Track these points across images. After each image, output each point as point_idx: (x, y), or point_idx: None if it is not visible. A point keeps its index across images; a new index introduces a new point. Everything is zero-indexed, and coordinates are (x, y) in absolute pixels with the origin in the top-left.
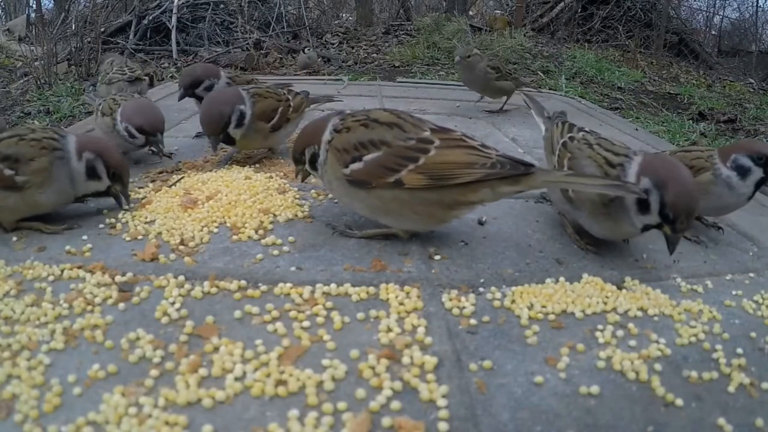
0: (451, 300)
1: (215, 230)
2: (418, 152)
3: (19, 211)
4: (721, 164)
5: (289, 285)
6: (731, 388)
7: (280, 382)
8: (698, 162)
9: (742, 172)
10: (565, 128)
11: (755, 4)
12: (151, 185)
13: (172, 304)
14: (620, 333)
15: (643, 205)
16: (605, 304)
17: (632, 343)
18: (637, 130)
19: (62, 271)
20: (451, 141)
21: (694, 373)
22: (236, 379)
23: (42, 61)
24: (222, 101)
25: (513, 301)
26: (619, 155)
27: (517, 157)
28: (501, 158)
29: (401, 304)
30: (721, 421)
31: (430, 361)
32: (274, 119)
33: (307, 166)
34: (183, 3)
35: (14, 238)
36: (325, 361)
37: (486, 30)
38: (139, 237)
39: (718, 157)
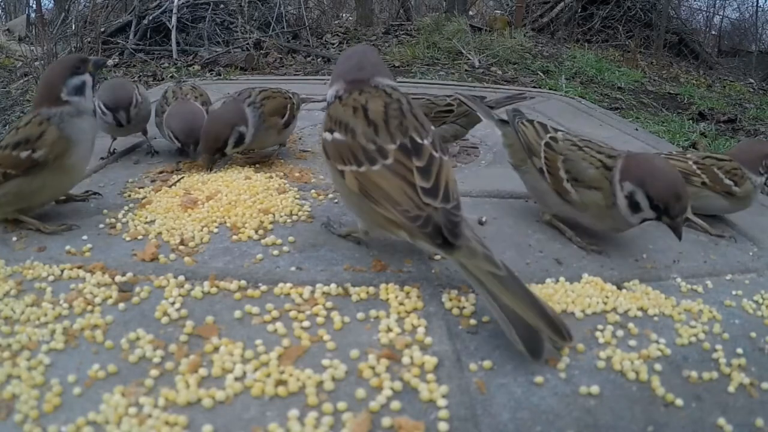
0: (451, 300)
1: (215, 230)
2: (366, 159)
3: (51, 188)
4: (751, 172)
5: (289, 285)
6: (731, 388)
7: (280, 382)
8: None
9: None
10: (539, 127)
11: (755, 4)
12: (151, 185)
13: (172, 304)
14: (620, 333)
15: (634, 206)
16: (605, 304)
17: (632, 343)
18: (637, 130)
19: (62, 271)
20: (401, 167)
21: (694, 373)
22: (236, 379)
23: (42, 61)
24: (222, 121)
25: None
26: (611, 157)
27: (455, 225)
28: (435, 218)
29: (401, 304)
30: (721, 421)
31: (430, 361)
32: (285, 115)
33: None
34: (183, 3)
35: (14, 238)
36: (325, 361)
37: (486, 30)
38: (139, 237)
39: (746, 167)
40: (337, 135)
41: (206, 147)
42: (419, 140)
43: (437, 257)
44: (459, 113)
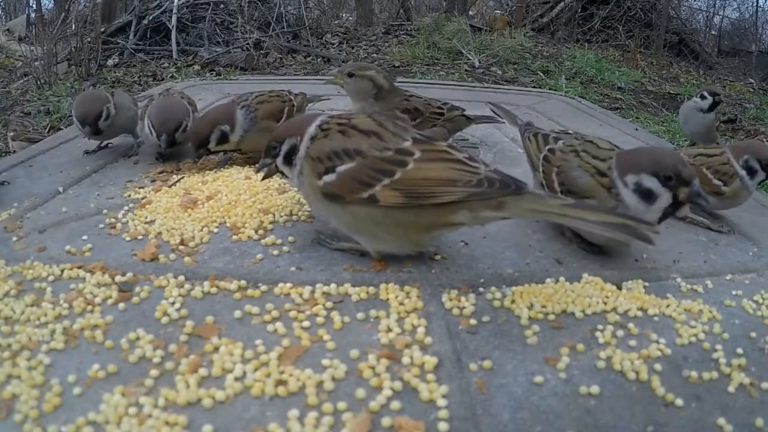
0: (451, 300)
1: (215, 230)
2: (394, 165)
3: None
4: (735, 162)
5: (289, 285)
6: (731, 388)
7: (280, 382)
8: (724, 167)
9: (752, 173)
10: (540, 140)
11: (755, 4)
12: (151, 185)
13: (172, 304)
14: (620, 333)
15: (645, 195)
16: (605, 304)
17: (632, 343)
18: (637, 130)
19: (62, 271)
20: (433, 153)
21: (694, 373)
22: (236, 379)
23: (42, 61)
24: (205, 120)
25: (513, 301)
26: (605, 160)
27: (509, 175)
28: (491, 175)
29: (401, 304)
30: (721, 421)
31: (430, 361)
32: (281, 119)
33: (279, 161)
34: (183, 3)
35: (14, 238)
36: (325, 361)
37: (486, 30)
38: (139, 237)
39: (731, 154)
40: (341, 168)
41: (192, 142)
42: (426, 135)
43: (437, 257)
44: (448, 118)
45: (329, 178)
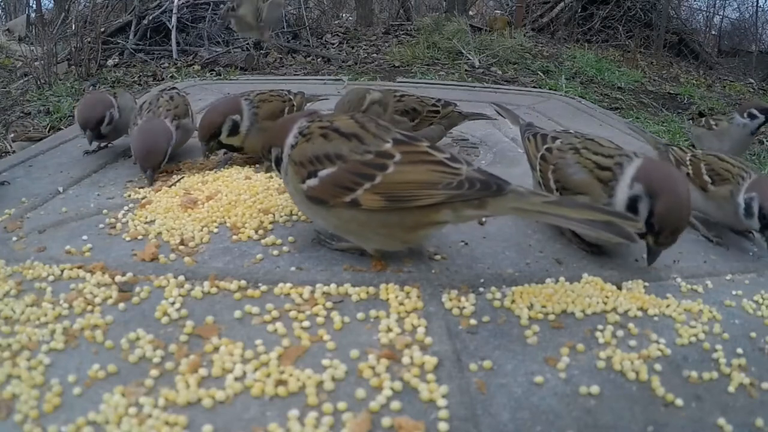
0: (451, 300)
1: (215, 230)
2: (374, 169)
3: None
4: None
5: (289, 285)
6: (731, 388)
7: (280, 382)
8: (723, 171)
9: (749, 211)
10: (538, 140)
11: (755, 4)
12: (151, 185)
13: (172, 304)
14: (620, 333)
15: (631, 207)
16: (605, 304)
17: (632, 343)
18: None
19: (62, 271)
20: (414, 155)
21: (694, 373)
22: (236, 379)
23: (42, 61)
24: (217, 111)
25: (513, 301)
26: (610, 157)
27: (492, 174)
28: (472, 175)
29: (401, 304)
30: (721, 421)
31: (430, 361)
32: None
33: (273, 165)
34: (183, 3)
35: (14, 238)
36: (325, 361)
37: (486, 30)
38: (139, 237)
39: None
40: (323, 173)
41: (202, 135)
42: (408, 134)
43: (437, 257)
44: (444, 114)
45: (312, 182)
